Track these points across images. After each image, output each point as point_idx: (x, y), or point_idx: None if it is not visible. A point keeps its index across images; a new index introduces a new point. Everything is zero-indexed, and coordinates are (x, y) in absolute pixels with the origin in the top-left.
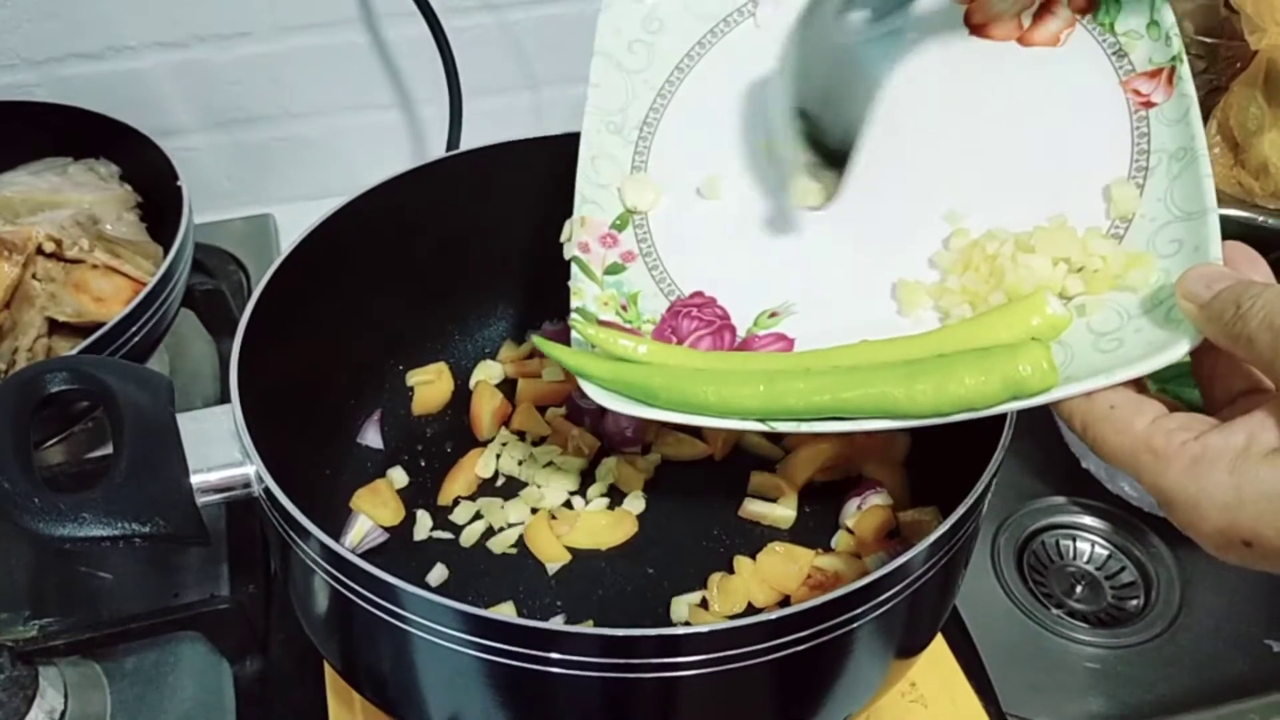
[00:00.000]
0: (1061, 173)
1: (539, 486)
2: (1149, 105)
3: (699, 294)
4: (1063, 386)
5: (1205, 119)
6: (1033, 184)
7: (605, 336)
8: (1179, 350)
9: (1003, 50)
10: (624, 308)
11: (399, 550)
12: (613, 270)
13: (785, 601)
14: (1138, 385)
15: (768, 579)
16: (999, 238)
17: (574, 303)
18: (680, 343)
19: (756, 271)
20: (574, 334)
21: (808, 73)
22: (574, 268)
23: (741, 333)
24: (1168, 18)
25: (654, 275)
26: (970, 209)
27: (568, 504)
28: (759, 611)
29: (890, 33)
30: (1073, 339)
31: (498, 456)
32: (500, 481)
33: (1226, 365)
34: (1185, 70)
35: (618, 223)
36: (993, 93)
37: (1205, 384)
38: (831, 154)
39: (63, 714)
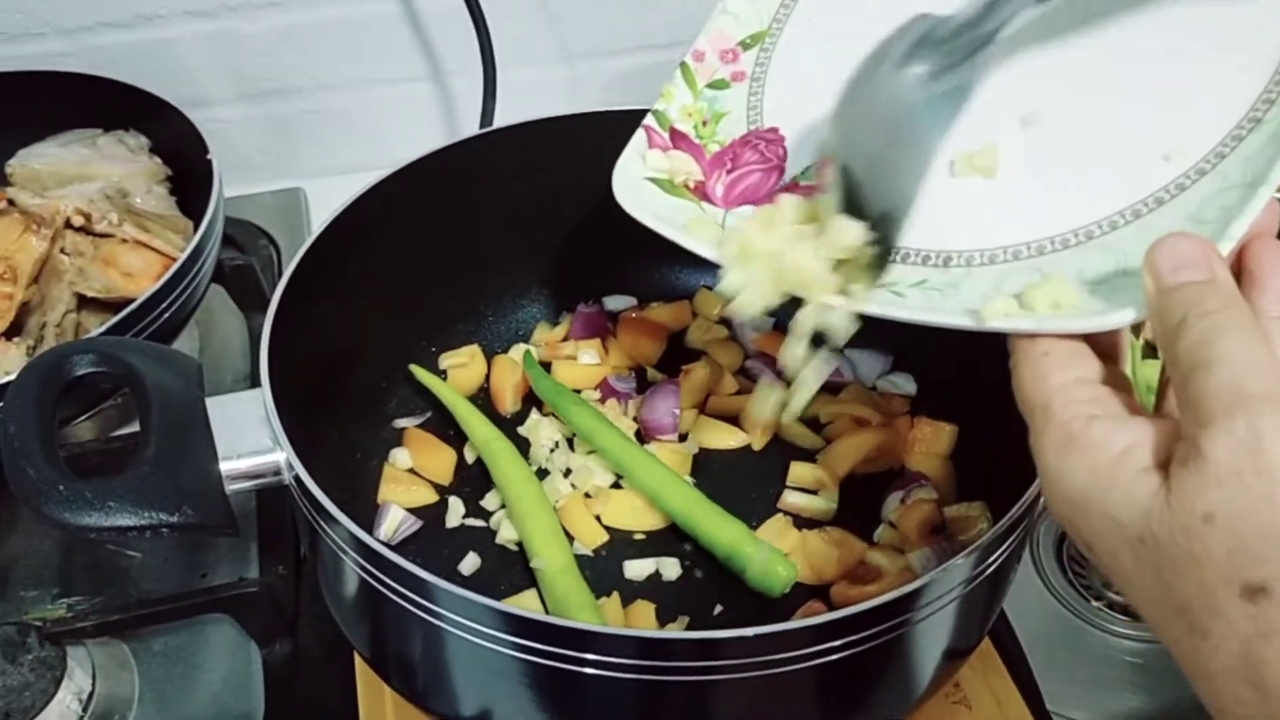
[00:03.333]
0: (1165, 105)
1: (566, 475)
2: None
3: (774, 130)
4: (992, 320)
5: None
6: (1126, 110)
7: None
8: (1112, 321)
9: None
10: (704, 123)
11: (431, 538)
12: (716, 85)
13: (824, 589)
14: (1108, 347)
15: (810, 558)
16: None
17: (659, 104)
18: (733, 170)
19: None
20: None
21: (857, 127)
22: (676, 73)
23: (787, 177)
24: None
25: (749, 100)
26: (1051, 118)
27: None
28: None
29: (949, 92)
30: (1057, 276)
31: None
32: (534, 468)
33: None
34: None
35: (748, 40)
36: (1142, 7)
37: (1164, 382)
38: (871, 221)
39: (90, 695)
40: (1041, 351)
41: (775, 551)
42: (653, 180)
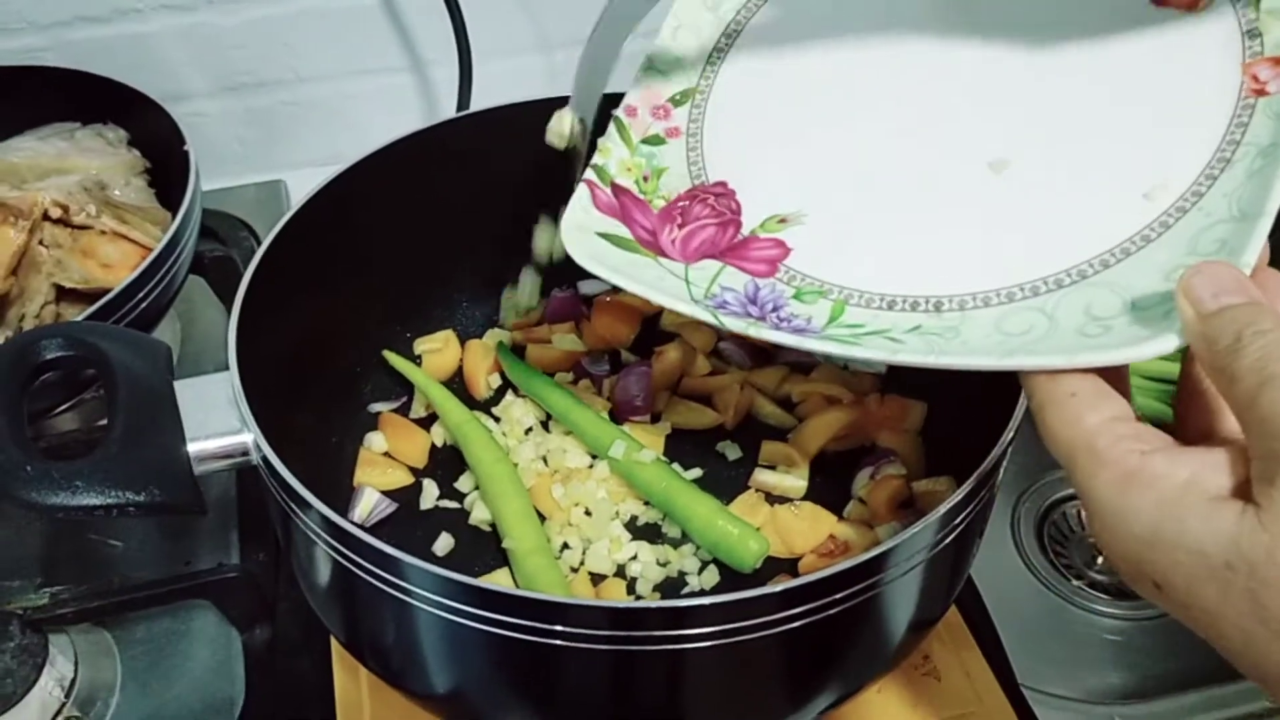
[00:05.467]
0: (1135, 146)
1: (541, 456)
2: (1261, 94)
3: (722, 184)
4: (1016, 357)
5: None
6: (1096, 150)
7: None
8: (1154, 349)
9: (1131, 5)
10: (645, 179)
11: (406, 520)
12: (651, 141)
13: (796, 564)
14: (1116, 383)
15: (781, 533)
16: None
17: (596, 159)
18: (684, 225)
19: (784, 174)
20: (574, 197)
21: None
22: (611, 127)
23: (745, 231)
24: None
25: (689, 156)
26: (1019, 162)
27: None
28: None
29: None
30: (1063, 313)
31: (505, 434)
32: (508, 449)
33: (1212, 402)
34: None
35: (678, 97)
36: (1099, 48)
37: (1182, 415)
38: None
39: (73, 682)
40: (1068, 392)
41: (747, 526)
42: (603, 235)
